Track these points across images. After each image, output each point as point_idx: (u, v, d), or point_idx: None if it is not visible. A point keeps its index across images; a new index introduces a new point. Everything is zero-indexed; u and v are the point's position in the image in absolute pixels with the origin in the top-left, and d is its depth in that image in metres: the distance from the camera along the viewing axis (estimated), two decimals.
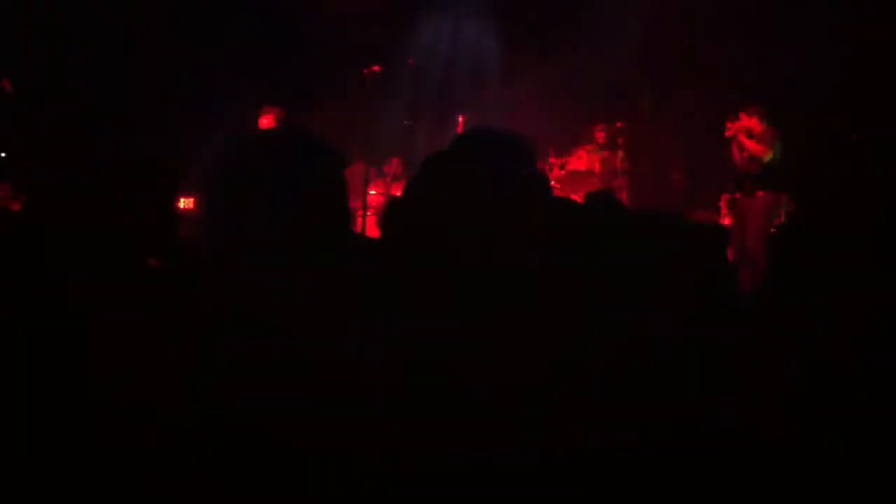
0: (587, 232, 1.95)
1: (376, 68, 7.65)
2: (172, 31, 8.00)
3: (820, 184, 7.20)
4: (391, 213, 1.88)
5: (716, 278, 1.91)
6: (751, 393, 1.59)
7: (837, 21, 7.60)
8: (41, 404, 1.45)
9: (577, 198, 6.93)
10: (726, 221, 7.67)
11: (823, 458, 1.52)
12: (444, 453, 1.38)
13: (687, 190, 8.98)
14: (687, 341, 1.64)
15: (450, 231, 1.67)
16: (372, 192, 8.24)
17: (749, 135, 7.43)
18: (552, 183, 8.49)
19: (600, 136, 8.97)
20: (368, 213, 7.82)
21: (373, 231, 7.44)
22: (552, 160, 8.79)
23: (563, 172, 8.79)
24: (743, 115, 7.49)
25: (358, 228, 7.28)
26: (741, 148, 7.46)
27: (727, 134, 7.56)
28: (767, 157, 7.33)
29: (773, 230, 6.94)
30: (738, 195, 7.53)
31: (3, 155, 6.02)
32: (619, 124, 8.96)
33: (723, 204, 7.89)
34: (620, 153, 8.87)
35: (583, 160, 8.93)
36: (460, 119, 8.47)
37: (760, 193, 7.32)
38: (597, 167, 8.86)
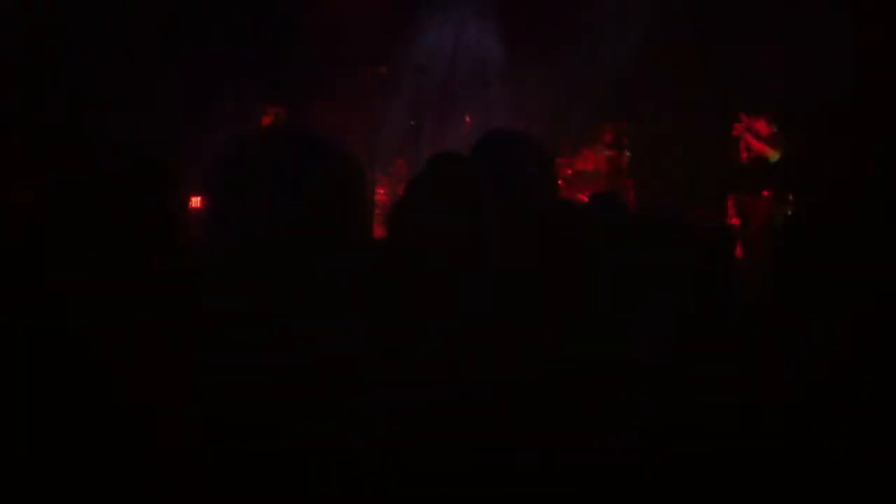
0: (589, 232, 1.95)
1: (382, 69, 7.65)
2: (174, 31, 8.01)
3: (823, 183, 7.18)
4: (396, 213, 1.88)
5: (719, 279, 1.90)
6: (751, 392, 1.58)
7: (842, 21, 7.58)
8: (44, 404, 1.46)
9: (584, 198, 6.92)
10: (733, 221, 7.66)
11: (823, 458, 1.52)
12: (445, 453, 1.38)
13: (693, 190, 8.96)
14: (688, 341, 1.64)
15: (450, 230, 1.67)
16: (378, 192, 8.26)
17: (756, 136, 7.43)
18: (559, 182, 8.49)
19: (607, 136, 8.95)
20: (375, 213, 7.83)
21: (380, 231, 7.44)
22: (559, 160, 8.77)
23: (569, 172, 8.78)
24: (751, 117, 7.49)
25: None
26: (748, 148, 7.46)
27: (733, 133, 7.56)
28: (774, 157, 7.33)
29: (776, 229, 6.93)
30: (743, 195, 7.53)
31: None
32: (625, 124, 8.94)
33: (729, 203, 7.88)
34: (626, 153, 8.86)
35: (589, 160, 8.91)
36: (467, 120, 8.46)
37: (766, 193, 7.33)
38: (603, 167, 8.83)
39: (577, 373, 1.52)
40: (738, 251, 6.58)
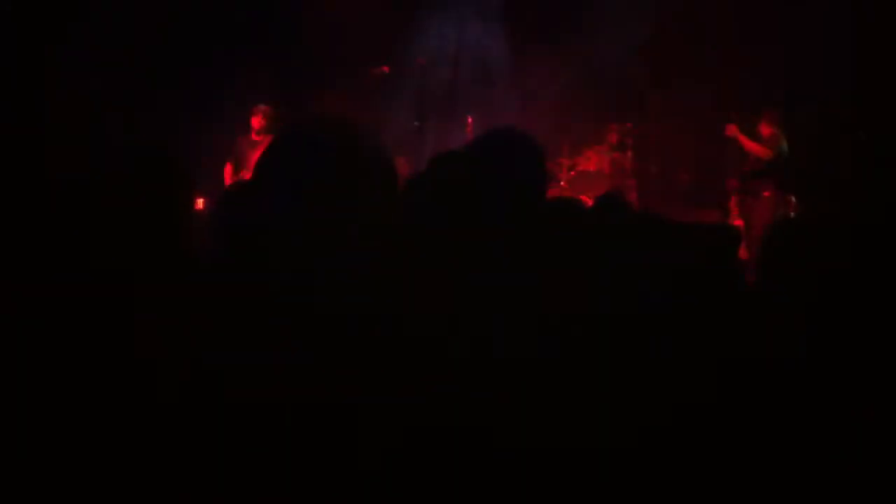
0: (591, 233, 1.94)
1: (385, 69, 7.65)
2: (175, 31, 8.02)
3: (824, 184, 7.19)
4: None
5: (722, 280, 1.90)
6: (751, 392, 1.58)
7: (843, 21, 7.58)
8: (44, 404, 1.45)
9: (587, 199, 6.93)
10: (737, 222, 7.67)
11: (823, 457, 1.51)
12: (448, 449, 1.38)
13: (696, 190, 8.96)
14: (690, 340, 1.64)
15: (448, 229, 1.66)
16: None
17: (752, 136, 7.46)
18: (562, 183, 8.49)
19: (611, 136, 8.94)
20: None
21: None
22: (562, 160, 8.77)
23: (573, 173, 8.77)
24: (747, 117, 7.53)
25: None
26: (741, 148, 7.52)
27: (727, 134, 7.60)
28: (768, 156, 7.35)
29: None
30: (745, 195, 7.55)
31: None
32: (629, 125, 8.94)
33: (732, 204, 7.89)
34: (630, 154, 8.86)
35: (592, 161, 8.91)
36: (469, 120, 8.46)
37: (766, 194, 7.35)
38: (607, 168, 8.83)
39: (576, 371, 1.52)
40: (743, 252, 6.58)
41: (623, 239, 1.92)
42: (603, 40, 8.67)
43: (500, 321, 1.52)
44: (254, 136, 7.47)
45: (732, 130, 7.56)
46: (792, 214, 7.32)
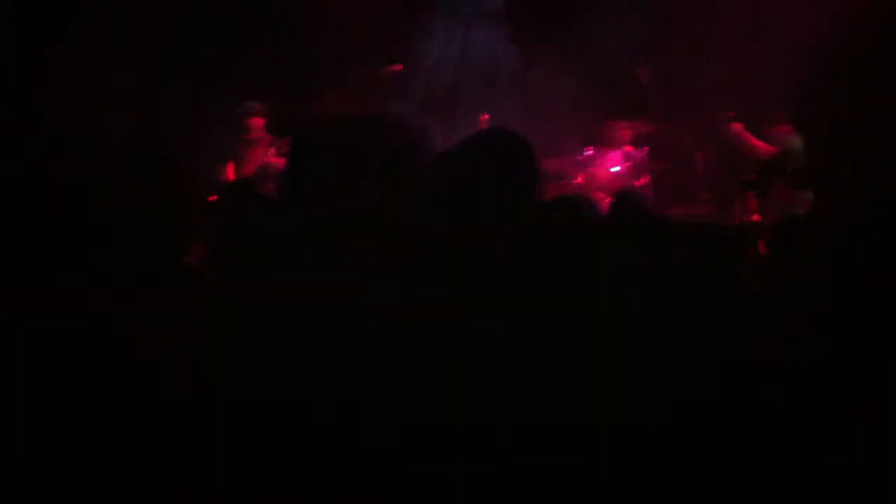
0: (599, 231, 1.94)
1: (387, 68, 7.63)
2: (175, 31, 8.01)
3: (833, 183, 7.18)
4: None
5: (728, 278, 1.90)
6: (752, 391, 1.58)
7: (845, 21, 7.57)
8: (44, 405, 1.46)
9: (602, 196, 6.93)
10: (753, 219, 7.66)
11: (823, 457, 1.51)
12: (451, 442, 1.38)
13: (710, 188, 8.94)
14: (692, 339, 1.64)
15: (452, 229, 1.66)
16: None
17: (760, 135, 7.47)
18: (576, 181, 8.48)
19: (624, 133, 8.91)
20: None
21: None
22: (577, 157, 8.74)
23: (586, 171, 8.74)
24: (759, 116, 7.53)
25: None
26: (744, 145, 7.53)
27: (734, 132, 7.59)
28: (776, 155, 7.35)
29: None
30: (758, 193, 7.55)
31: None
32: (643, 122, 8.91)
33: (745, 203, 7.87)
34: (644, 151, 8.82)
35: (607, 158, 8.87)
36: (481, 119, 8.42)
37: (776, 192, 7.34)
38: (622, 166, 8.81)
39: (576, 370, 1.52)
40: (762, 248, 6.57)
41: (627, 238, 1.92)
42: (614, 36, 8.64)
43: (499, 321, 1.52)
44: (253, 136, 7.46)
45: (739, 129, 7.57)
46: (799, 213, 7.31)
